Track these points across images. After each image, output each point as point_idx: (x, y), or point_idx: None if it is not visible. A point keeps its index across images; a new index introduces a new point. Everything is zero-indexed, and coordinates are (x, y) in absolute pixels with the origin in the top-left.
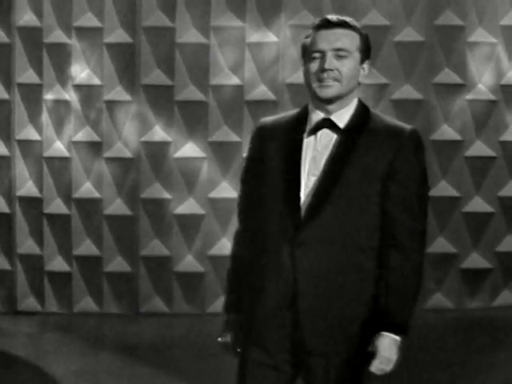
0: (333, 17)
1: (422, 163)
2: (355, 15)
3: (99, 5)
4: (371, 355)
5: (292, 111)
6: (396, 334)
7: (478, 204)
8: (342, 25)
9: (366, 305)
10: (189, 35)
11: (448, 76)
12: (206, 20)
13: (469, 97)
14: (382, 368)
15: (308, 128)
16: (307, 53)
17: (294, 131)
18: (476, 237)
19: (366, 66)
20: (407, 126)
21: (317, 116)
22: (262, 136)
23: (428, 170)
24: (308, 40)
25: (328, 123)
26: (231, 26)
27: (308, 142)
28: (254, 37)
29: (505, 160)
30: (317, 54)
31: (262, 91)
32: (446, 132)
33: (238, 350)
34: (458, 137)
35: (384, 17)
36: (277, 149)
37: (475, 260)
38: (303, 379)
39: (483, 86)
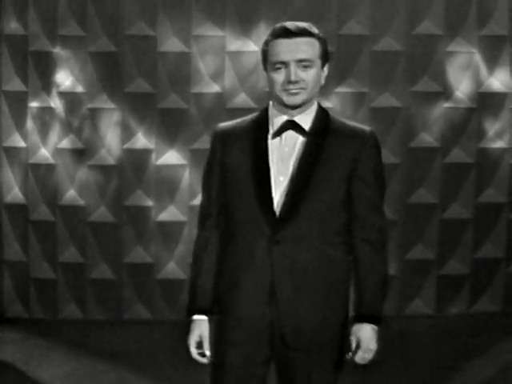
0: (292, 25)
1: (381, 162)
2: (334, 24)
3: (83, 14)
4: (349, 346)
5: (250, 115)
6: (374, 323)
7: (456, 211)
8: (302, 33)
9: (342, 297)
10: (170, 44)
11: (427, 84)
12: (187, 29)
13: (447, 105)
14: (366, 357)
15: (271, 130)
16: (269, 62)
17: (258, 134)
18: (454, 243)
19: (326, 68)
20: (366, 127)
21: (280, 118)
22: (224, 140)
23: (406, 177)
24: (267, 47)
25: (292, 125)
26: (212, 35)
27: (273, 143)
28: (234, 46)
29: (483, 167)
30: (280, 65)
31: (242, 99)
32: (425, 139)
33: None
34: (436, 144)
35: (363, 26)
36: (241, 152)
37: (453, 266)
38: (279, 375)
39: (461, 94)
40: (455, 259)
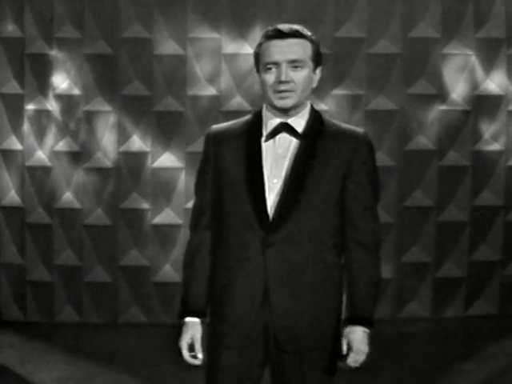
0: (284, 26)
1: (375, 163)
2: (330, 27)
3: (79, 17)
4: (341, 349)
5: (243, 118)
6: (365, 326)
7: (451, 213)
8: (295, 35)
9: (335, 300)
10: (166, 47)
11: (423, 87)
12: (183, 32)
13: (443, 107)
14: (358, 360)
15: (265, 133)
16: (261, 63)
17: (251, 136)
18: (450, 246)
19: (318, 71)
20: (360, 130)
21: (273, 121)
22: (217, 142)
23: (402, 179)
24: (260, 49)
25: (286, 128)
26: (207, 38)
27: (267, 146)
28: (229, 48)
29: (478, 170)
30: (272, 66)
31: (238, 102)
32: (421, 142)
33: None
34: (432, 146)
35: (359, 29)
36: (235, 154)
37: (449, 269)
38: (273, 376)
39: (457, 96)
40: (451, 262)
